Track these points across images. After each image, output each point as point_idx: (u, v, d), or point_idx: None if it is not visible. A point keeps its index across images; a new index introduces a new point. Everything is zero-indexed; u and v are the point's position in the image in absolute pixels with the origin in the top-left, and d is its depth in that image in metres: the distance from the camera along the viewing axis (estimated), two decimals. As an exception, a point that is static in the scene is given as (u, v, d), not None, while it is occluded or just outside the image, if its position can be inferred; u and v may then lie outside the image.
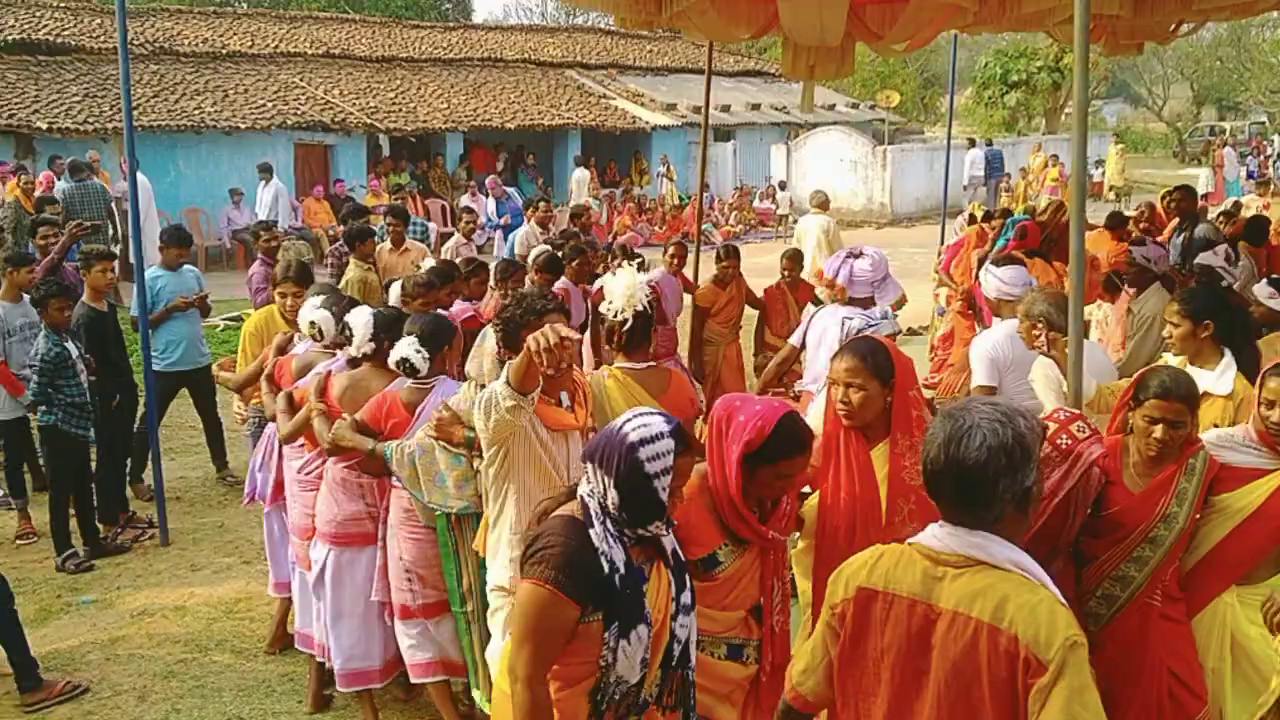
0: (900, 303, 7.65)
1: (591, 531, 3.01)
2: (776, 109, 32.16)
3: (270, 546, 6.10)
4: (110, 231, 14.81)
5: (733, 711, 3.60)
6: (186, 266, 9.01)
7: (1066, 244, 10.11)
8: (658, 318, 9.29)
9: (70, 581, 7.15)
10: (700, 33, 8.33)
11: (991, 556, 2.48)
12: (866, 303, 6.68)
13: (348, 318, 5.21)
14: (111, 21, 23.45)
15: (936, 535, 2.56)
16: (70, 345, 7.34)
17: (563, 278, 8.52)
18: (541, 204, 12.62)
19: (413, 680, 5.11)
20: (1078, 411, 4.13)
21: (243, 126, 21.38)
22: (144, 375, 8.20)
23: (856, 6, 7.21)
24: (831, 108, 33.52)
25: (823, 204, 14.53)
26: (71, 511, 7.47)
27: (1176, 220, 10.00)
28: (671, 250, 9.75)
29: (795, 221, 28.30)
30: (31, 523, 7.92)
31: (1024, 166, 29.72)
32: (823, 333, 6.51)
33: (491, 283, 8.28)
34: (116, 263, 8.63)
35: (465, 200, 22.20)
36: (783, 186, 28.22)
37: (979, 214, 12.47)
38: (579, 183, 25.02)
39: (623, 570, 3.00)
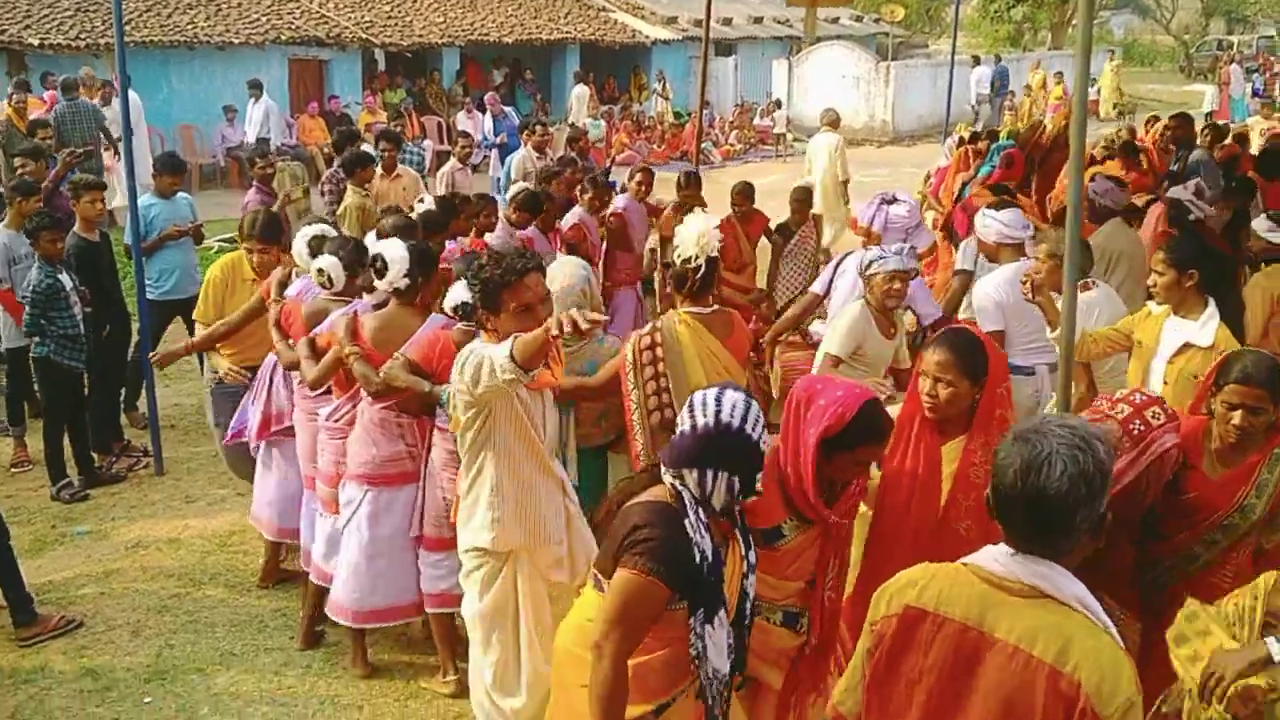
0: (931, 250, 7.56)
1: (686, 521, 3.10)
2: (779, 22, 31.68)
3: (261, 481, 6.13)
4: (103, 152, 14.67)
5: (780, 676, 3.67)
6: (180, 194, 8.95)
7: (1052, 166, 10.09)
8: (624, 244, 9.20)
9: (65, 511, 7.23)
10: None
11: (1058, 590, 2.38)
12: None
13: (381, 250, 5.09)
14: (101, -69, 22.97)
15: (999, 559, 2.45)
16: (64, 277, 7.32)
17: (531, 226, 8.36)
18: (538, 127, 12.50)
19: (427, 610, 5.18)
20: (1156, 396, 4.03)
21: (236, 42, 21.03)
22: (138, 304, 8.19)
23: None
24: (835, 21, 33.02)
25: (833, 122, 14.39)
26: (68, 440, 7.53)
27: (1173, 147, 9.87)
28: (638, 177, 9.60)
29: (795, 140, 28.11)
30: (27, 450, 7.98)
31: (1027, 84, 29.30)
32: (854, 280, 6.44)
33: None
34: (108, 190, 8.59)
35: (461, 118, 21.96)
36: (779, 105, 27.84)
37: (966, 135, 12.30)
38: (579, 99, 24.70)
39: (710, 559, 3.11)
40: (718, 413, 3.12)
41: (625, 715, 3.13)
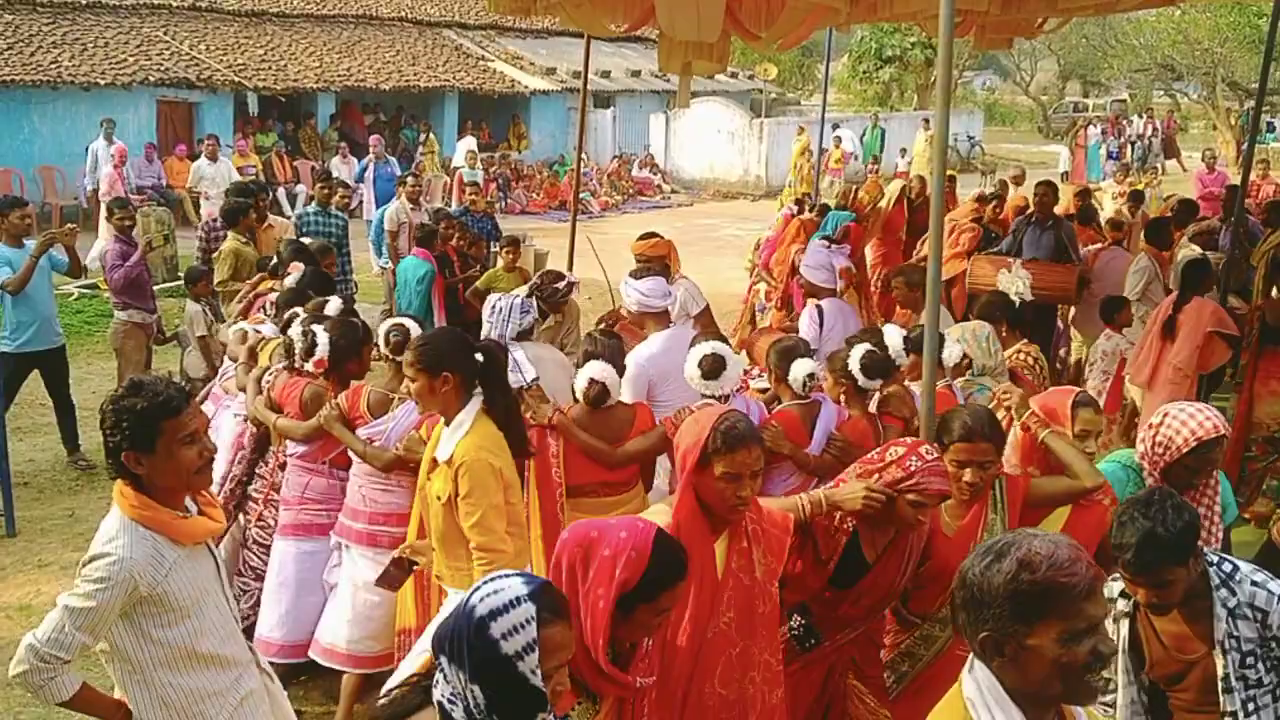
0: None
1: None
2: (657, 76, 32.10)
3: None
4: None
5: None
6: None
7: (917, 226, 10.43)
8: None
9: (-92, 577, 6.86)
10: (574, 23, 8.30)
11: None
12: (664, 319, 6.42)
13: None
14: (-40, -35, 22.24)
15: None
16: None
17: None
18: (410, 179, 12.42)
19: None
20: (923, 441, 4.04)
21: (102, 82, 20.52)
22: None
23: (733, 2, 7.24)
24: (711, 77, 33.57)
25: None
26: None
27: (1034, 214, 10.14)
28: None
29: (671, 192, 28.43)
30: None
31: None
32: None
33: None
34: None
35: (336, 162, 21.68)
36: (654, 167, 28.18)
37: (793, 206, 12.34)
38: (468, 150, 24.05)
39: None
40: (475, 591, 2.42)
41: None
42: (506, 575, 2.46)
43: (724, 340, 5.59)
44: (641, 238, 7.63)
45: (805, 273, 7.49)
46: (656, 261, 7.13)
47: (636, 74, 31.74)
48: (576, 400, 5.30)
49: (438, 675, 2.39)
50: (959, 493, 3.88)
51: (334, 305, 6.25)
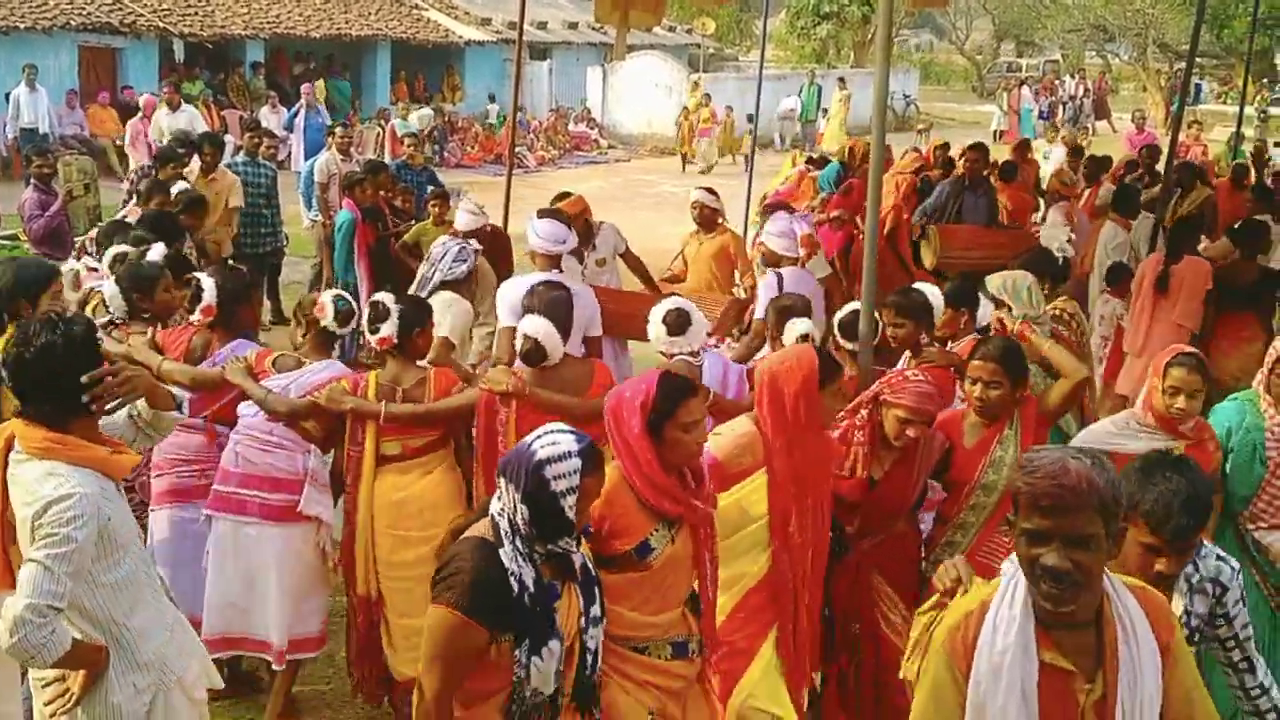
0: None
1: (502, 551, 3.12)
2: (594, 28, 31.80)
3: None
4: None
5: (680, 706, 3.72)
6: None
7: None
8: None
9: None
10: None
11: None
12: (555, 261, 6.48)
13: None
14: None
15: None
16: None
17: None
18: (340, 129, 12.17)
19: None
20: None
21: (22, 26, 19.84)
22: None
23: (669, -48, 7.16)
24: (648, 30, 33.30)
25: None
26: None
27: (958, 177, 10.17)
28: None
29: (609, 147, 28.23)
30: None
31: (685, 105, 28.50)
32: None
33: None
34: None
35: (265, 112, 21.24)
36: (591, 122, 27.94)
37: (802, 161, 12.44)
38: (421, 119, 23.48)
39: (532, 589, 3.12)
40: (537, 438, 3.18)
41: None
42: (563, 430, 3.21)
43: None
44: (556, 199, 7.72)
45: (768, 240, 7.21)
46: (578, 219, 7.27)
47: (573, 26, 31.42)
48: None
49: (497, 493, 3.20)
50: (973, 405, 4.53)
51: (157, 251, 5.99)
